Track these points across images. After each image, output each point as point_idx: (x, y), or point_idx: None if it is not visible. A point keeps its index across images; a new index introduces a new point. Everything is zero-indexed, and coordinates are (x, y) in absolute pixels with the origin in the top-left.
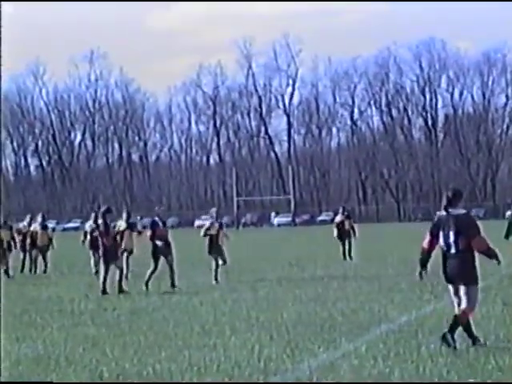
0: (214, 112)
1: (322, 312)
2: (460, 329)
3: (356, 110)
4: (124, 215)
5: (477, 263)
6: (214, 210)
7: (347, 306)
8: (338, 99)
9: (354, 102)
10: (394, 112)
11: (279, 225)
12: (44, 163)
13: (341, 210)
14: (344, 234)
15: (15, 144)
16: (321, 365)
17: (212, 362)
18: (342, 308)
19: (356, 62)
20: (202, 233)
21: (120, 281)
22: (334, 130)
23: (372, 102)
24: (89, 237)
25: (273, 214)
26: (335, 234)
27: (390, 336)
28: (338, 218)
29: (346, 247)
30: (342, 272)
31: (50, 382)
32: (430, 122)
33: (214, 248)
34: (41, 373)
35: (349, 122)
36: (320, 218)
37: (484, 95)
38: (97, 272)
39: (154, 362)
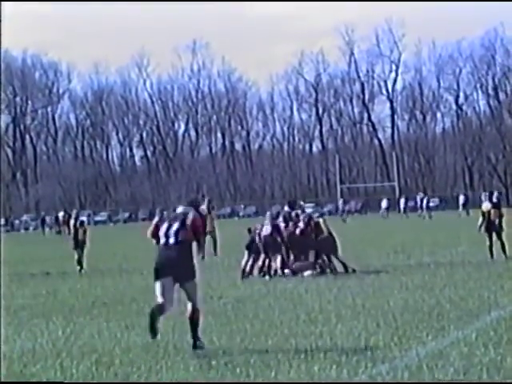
0: (316, 100)
1: (430, 299)
2: None
3: (461, 95)
4: (206, 201)
5: None
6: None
7: (455, 293)
8: (442, 84)
9: (459, 86)
10: (501, 95)
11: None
12: (149, 154)
13: (486, 196)
14: (491, 226)
15: (120, 135)
16: (429, 352)
17: (319, 350)
18: (450, 295)
19: (461, 45)
20: None
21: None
22: (439, 115)
23: (478, 86)
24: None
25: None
26: (479, 223)
27: (500, 323)
28: (485, 206)
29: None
30: (449, 258)
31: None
32: None
33: None
34: (150, 360)
35: (454, 107)
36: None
37: None
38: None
39: (261, 350)
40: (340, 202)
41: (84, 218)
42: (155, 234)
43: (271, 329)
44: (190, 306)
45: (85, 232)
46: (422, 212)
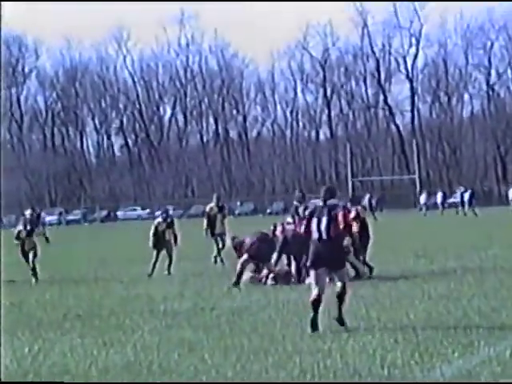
0: (324, 79)
1: (456, 311)
2: None
3: (493, 72)
4: (214, 198)
5: None
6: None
7: (486, 303)
8: (470, 60)
9: (490, 62)
10: None
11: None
12: (130, 142)
13: None
14: None
15: (97, 121)
16: (456, 372)
17: (327, 369)
18: (479, 306)
19: (493, 15)
20: None
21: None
22: (467, 96)
23: None
24: (205, 221)
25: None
26: None
27: None
28: None
29: None
30: (479, 263)
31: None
32: None
33: None
34: (132, 382)
35: (484, 87)
36: (451, 200)
37: None
38: (216, 262)
39: (260, 369)
40: (367, 197)
41: (50, 216)
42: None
43: (272, 345)
44: (340, 284)
45: (33, 240)
46: (462, 208)
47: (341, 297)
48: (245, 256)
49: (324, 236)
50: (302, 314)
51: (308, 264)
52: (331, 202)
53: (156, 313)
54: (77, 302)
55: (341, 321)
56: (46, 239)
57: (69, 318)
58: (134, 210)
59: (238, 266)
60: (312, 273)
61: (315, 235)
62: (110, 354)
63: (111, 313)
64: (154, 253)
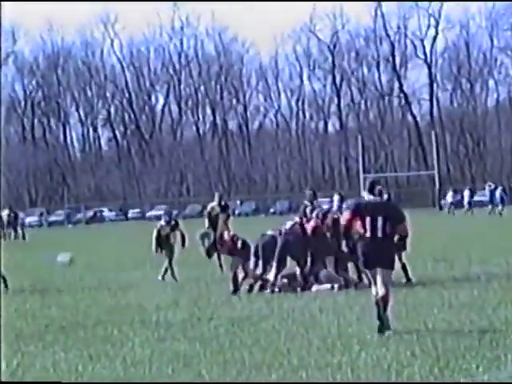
0: (333, 65)
1: (480, 321)
2: None
3: None
4: (216, 197)
5: None
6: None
7: None
8: (496, 43)
9: None
10: None
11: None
12: (118, 135)
13: None
14: None
15: (82, 112)
16: None
17: None
18: (506, 315)
19: None
20: None
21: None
22: (492, 83)
23: None
24: (206, 222)
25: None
26: None
27: None
28: None
29: None
30: (506, 269)
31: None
32: None
33: None
34: None
35: (511, 73)
36: (476, 197)
37: None
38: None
39: None
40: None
41: (30, 216)
42: (350, 227)
43: (276, 358)
44: (382, 290)
45: None
46: (493, 207)
47: (379, 303)
48: (236, 258)
49: (379, 234)
50: (308, 324)
51: (361, 265)
52: (380, 198)
53: (148, 323)
54: (60, 311)
55: (381, 328)
56: (23, 237)
57: (51, 329)
58: (101, 211)
59: (231, 272)
60: (367, 272)
61: (368, 234)
62: (96, 368)
63: (98, 323)
64: (164, 255)
